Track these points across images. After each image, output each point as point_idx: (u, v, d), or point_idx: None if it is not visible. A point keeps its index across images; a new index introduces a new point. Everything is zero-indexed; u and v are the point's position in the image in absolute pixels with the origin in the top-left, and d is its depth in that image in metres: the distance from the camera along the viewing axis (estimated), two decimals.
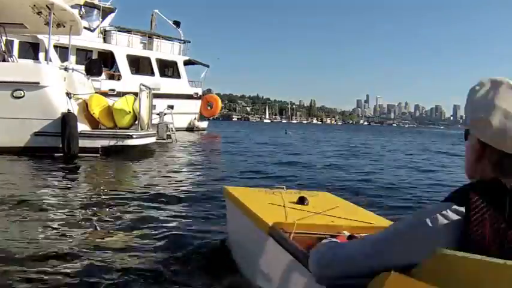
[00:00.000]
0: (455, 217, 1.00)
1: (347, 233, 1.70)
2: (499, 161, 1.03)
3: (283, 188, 2.77)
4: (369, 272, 1.09)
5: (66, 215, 3.72)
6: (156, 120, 13.15)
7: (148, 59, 21.91)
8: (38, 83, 8.02)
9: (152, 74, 21.56)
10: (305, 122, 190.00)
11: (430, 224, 1.01)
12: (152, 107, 10.86)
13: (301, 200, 2.35)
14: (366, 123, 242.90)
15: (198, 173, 7.03)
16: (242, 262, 2.43)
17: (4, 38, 9.75)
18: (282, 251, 1.70)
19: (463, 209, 1.00)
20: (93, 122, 9.25)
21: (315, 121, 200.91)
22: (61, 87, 8.41)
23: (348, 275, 1.15)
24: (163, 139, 13.33)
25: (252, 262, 2.20)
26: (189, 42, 24.68)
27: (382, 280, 1.00)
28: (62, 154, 7.95)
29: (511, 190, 0.98)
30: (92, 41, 19.73)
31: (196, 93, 23.68)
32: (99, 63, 12.20)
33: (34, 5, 8.43)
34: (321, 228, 1.85)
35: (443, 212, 1.02)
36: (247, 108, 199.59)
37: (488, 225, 0.97)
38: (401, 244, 1.05)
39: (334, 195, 2.85)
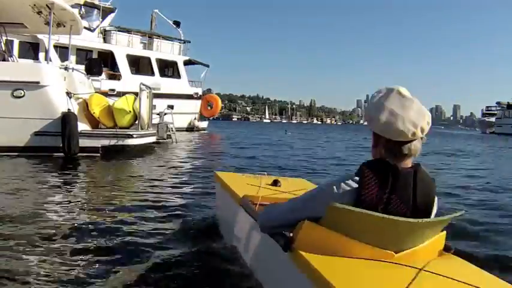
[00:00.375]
0: (354, 185, 1.47)
1: None
2: (387, 146, 1.49)
3: (264, 174, 3.31)
4: (293, 223, 1.56)
5: (66, 215, 3.71)
6: (156, 120, 13.15)
7: (148, 59, 21.90)
8: (38, 82, 8.01)
9: (152, 74, 21.56)
10: (305, 122, 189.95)
11: (335, 190, 1.49)
12: (152, 106, 10.86)
13: (275, 183, 2.91)
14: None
15: (198, 173, 7.02)
16: (224, 229, 3.02)
17: (4, 38, 9.74)
18: (246, 215, 2.22)
19: (358, 179, 1.46)
20: (94, 122, 9.24)
21: (315, 121, 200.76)
22: (61, 87, 8.40)
23: (280, 225, 1.67)
24: (164, 139, 13.32)
25: (229, 227, 2.75)
26: (189, 42, 24.70)
27: (301, 227, 1.49)
28: (62, 154, 7.94)
29: (394, 166, 1.45)
30: (92, 41, 19.73)
31: (196, 93, 23.68)
32: (99, 63, 12.19)
33: (34, 5, 8.42)
34: (279, 201, 2.21)
35: (346, 181, 1.49)
36: (247, 108, 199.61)
37: (375, 191, 1.44)
38: (314, 203, 1.53)
39: (309, 182, 3.31)
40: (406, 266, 1.44)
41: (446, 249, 1.67)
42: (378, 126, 1.50)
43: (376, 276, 1.38)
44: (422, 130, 1.47)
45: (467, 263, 1.63)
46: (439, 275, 1.37)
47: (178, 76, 23.09)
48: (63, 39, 13.22)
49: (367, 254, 1.48)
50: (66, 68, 9.49)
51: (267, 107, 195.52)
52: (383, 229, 1.43)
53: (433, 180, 1.56)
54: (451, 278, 1.35)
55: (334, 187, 1.51)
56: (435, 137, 35.16)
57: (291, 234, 1.56)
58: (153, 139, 10.28)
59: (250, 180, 3.05)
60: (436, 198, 1.56)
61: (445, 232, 1.64)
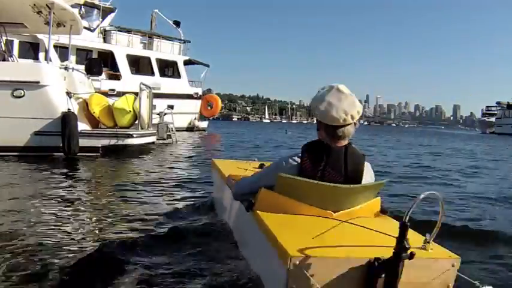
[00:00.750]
0: (298, 160, 1.96)
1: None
2: (326, 130, 1.95)
3: (255, 160, 3.83)
4: (255, 191, 2.07)
5: (66, 215, 3.71)
6: (156, 120, 13.15)
7: (148, 59, 21.90)
8: (38, 82, 8.01)
9: (152, 73, 21.56)
10: (305, 122, 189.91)
11: (284, 164, 2.00)
12: (152, 106, 10.85)
13: (261, 166, 3.37)
14: (366, 123, 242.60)
15: (198, 172, 7.02)
16: (217, 206, 3.63)
17: (4, 38, 9.73)
18: (228, 189, 2.70)
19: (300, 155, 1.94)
20: (94, 122, 9.24)
21: (315, 121, 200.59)
22: (61, 87, 8.40)
23: (246, 193, 2.19)
24: (164, 139, 13.32)
25: (219, 203, 3.47)
26: (189, 42, 24.69)
27: (259, 193, 2.02)
28: (62, 153, 7.94)
29: (327, 145, 1.93)
30: (92, 40, 19.73)
31: (197, 93, 23.67)
32: (99, 62, 12.19)
33: (34, 5, 8.41)
34: None
35: (292, 158, 2.00)
36: (247, 108, 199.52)
37: (312, 164, 1.91)
38: (269, 175, 2.02)
39: None
40: (340, 221, 1.87)
41: (383, 211, 2.13)
42: (318, 113, 1.97)
43: (314, 227, 1.78)
44: (352, 117, 1.92)
45: (396, 222, 1.77)
46: (364, 227, 1.75)
47: (178, 76, 23.09)
48: (63, 39, 13.23)
49: (310, 212, 1.94)
50: (66, 68, 9.49)
51: (266, 107, 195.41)
52: (321, 193, 1.91)
53: (363, 156, 2.01)
54: (375, 230, 1.70)
55: (284, 162, 2.02)
56: (433, 136, 35.14)
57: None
58: (153, 139, 10.28)
59: (240, 164, 3.61)
60: (367, 169, 2.00)
61: (379, 197, 2.08)
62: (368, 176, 2.03)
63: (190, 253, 2.57)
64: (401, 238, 1.47)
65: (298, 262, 1.51)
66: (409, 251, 1.46)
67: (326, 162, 1.92)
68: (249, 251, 2.29)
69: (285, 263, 1.53)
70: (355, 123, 1.96)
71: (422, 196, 1.51)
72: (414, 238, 1.61)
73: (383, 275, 1.51)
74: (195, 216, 3.56)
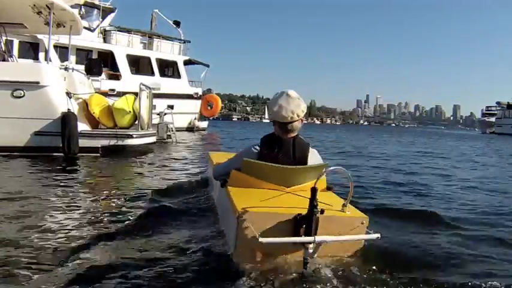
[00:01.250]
0: (258, 149, 2.62)
1: None
2: (278, 125, 2.58)
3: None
4: (228, 172, 2.68)
5: (66, 215, 3.71)
6: (156, 120, 13.14)
7: (148, 59, 21.90)
8: (38, 82, 8.00)
9: (152, 73, 21.56)
10: (305, 122, 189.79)
11: (248, 152, 2.66)
12: (152, 106, 10.85)
13: None
14: (366, 123, 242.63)
15: (198, 172, 7.02)
16: (210, 187, 4.33)
17: (4, 38, 9.73)
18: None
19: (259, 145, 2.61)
20: (93, 122, 9.23)
21: (318, 122, 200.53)
22: (61, 87, 8.39)
23: (222, 174, 2.81)
24: (164, 139, 13.32)
25: (211, 185, 4.19)
26: (189, 42, 24.68)
27: (231, 174, 2.64)
28: (62, 154, 7.94)
29: (278, 137, 2.59)
30: (91, 41, 19.73)
31: (197, 93, 23.67)
32: (99, 63, 12.18)
33: (34, 5, 8.40)
34: None
35: (254, 147, 2.65)
36: (247, 108, 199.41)
37: (267, 152, 2.56)
38: (238, 160, 2.64)
39: None
40: (290, 193, 2.54)
41: (328, 188, 2.78)
42: (272, 114, 2.63)
43: (265, 196, 2.40)
44: (298, 115, 2.58)
45: (338, 197, 2.67)
46: (304, 196, 2.30)
47: (178, 76, 23.09)
48: (63, 39, 13.23)
49: (268, 187, 2.59)
50: (66, 68, 9.49)
51: (266, 107, 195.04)
52: (275, 173, 2.55)
53: (308, 144, 2.67)
54: (331, 206, 2.30)
55: (248, 150, 2.70)
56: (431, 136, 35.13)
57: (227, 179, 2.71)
58: (153, 139, 10.27)
59: (229, 156, 3.93)
60: (312, 155, 2.65)
61: (325, 177, 2.67)
62: (313, 160, 2.64)
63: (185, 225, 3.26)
64: (312, 199, 2.06)
65: (243, 215, 2.14)
66: (319, 209, 2.08)
67: (278, 150, 2.59)
68: (221, 215, 3.02)
69: (235, 216, 2.19)
70: (301, 120, 2.63)
71: (331, 169, 2.28)
72: (339, 203, 2.39)
73: (304, 226, 2.10)
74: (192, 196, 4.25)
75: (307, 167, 2.57)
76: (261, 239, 2.01)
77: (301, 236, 2.10)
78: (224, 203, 2.71)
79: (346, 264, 2.27)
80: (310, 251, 2.12)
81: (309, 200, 2.08)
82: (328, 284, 2.07)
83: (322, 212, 2.09)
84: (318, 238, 2.09)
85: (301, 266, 2.12)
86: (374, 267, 2.29)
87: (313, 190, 2.05)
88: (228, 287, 2.11)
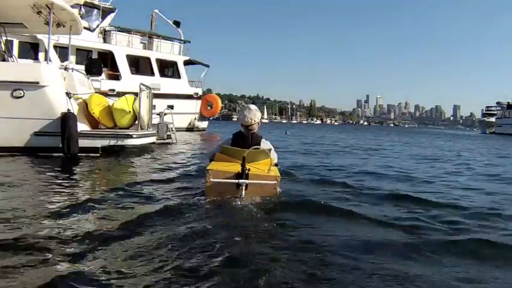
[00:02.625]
0: (230, 140, 4.53)
1: None
2: (243, 126, 4.45)
3: None
4: (214, 154, 4.53)
5: (66, 215, 3.70)
6: (156, 120, 13.13)
7: (148, 59, 21.90)
8: (38, 82, 8.00)
9: (152, 74, 21.56)
10: (305, 122, 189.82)
11: (225, 141, 4.64)
12: (152, 106, 10.84)
13: None
14: (366, 123, 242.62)
15: (198, 172, 7.01)
16: None
17: (4, 38, 9.73)
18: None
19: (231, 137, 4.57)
20: (93, 122, 9.23)
21: (318, 122, 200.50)
22: (61, 87, 8.39)
23: (211, 155, 4.63)
24: (164, 139, 13.31)
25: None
26: (189, 42, 24.69)
27: (215, 155, 4.51)
28: (61, 154, 7.93)
29: (241, 133, 4.46)
30: (91, 41, 19.73)
31: (196, 93, 23.67)
32: (99, 63, 12.18)
33: (34, 5, 8.40)
34: None
35: (228, 139, 4.58)
36: None
37: (235, 141, 4.44)
38: (219, 146, 4.54)
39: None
40: (241, 164, 3.84)
41: (276, 165, 4.41)
42: (239, 120, 4.48)
43: (229, 165, 4.04)
44: (254, 120, 4.34)
45: (276, 168, 4.31)
46: (255, 167, 3.98)
47: (178, 76, 23.08)
48: (63, 39, 13.25)
49: (234, 162, 4.06)
50: (66, 68, 9.48)
51: (265, 107, 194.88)
52: (238, 153, 4.04)
53: (261, 137, 4.42)
54: (258, 168, 4.00)
55: (225, 141, 4.58)
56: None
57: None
58: (153, 139, 10.26)
59: None
60: (263, 144, 4.36)
61: (272, 157, 4.27)
62: (264, 147, 4.30)
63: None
64: (243, 163, 3.79)
65: (209, 172, 3.88)
66: (247, 170, 3.79)
67: (242, 141, 4.33)
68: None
69: (206, 173, 3.92)
70: (258, 123, 4.42)
71: (262, 149, 4.28)
72: (270, 169, 4.04)
73: (241, 180, 3.77)
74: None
75: (257, 149, 4.19)
76: (211, 179, 3.85)
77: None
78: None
79: (263, 203, 3.77)
80: (243, 191, 3.76)
81: (243, 166, 3.80)
82: (250, 210, 3.57)
83: (248, 170, 3.82)
84: (241, 181, 3.77)
85: (237, 196, 3.77)
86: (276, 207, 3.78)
87: (243, 159, 3.82)
88: (225, 277, 2.16)
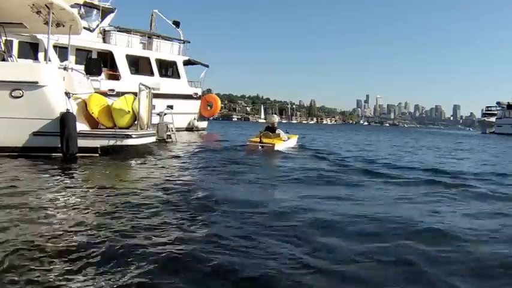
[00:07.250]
0: (262, 130, 12.57)
1: None
2: (270, 123, 12.85)
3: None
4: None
5: (65, 215, 3.69)
6: (156, 120, 13.12)
7: (147, 59, 21.88)
8: (37, 82, 7.98)
9: (152, 74, 21.54)
10: (305, 122, 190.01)
11: (261, 130, 12.66)
12: (152, 106, 10.82)
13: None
14: (366, 123, 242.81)
15: (199, 172, 7.01)
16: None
17: (3, 38, 9.71)
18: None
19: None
20: (92, 122, 9.21)
21: (315, 121, 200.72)
22: (60, 87, 8.37)
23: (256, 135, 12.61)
24: (164, 139, 13.30)
25: None
26: (189, 42, 24.66)
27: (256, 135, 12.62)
28: (60, 154, 7.92)
29: (268, 127, 12.49)
30: (91, 41, 19.71)
31: (196, 93, 23.66)
32: (98, 63, 12.16)
33: (33, 5, 8.38)
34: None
35: (263, 128, 12.84)
36: (247, 108, 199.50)
37: (264, 131, 12.18)
38: (259, 132, 12.72)
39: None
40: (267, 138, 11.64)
41: (288, 138, 12.82)
42: (267, 121, 13.18)
43: (255, 139, 11.90)
44: (274, 122, 12.48)
45: (283, 142, 11.94)
46: (270, 140, 11.61)
47: (178, 76, 23.07)
48: (63, 39, 13.21)
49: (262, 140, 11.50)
50: (65, 68, 9.46)
51: (261, 106, 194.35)
52: (265, 136, 11.77)
53: (277, 128, 12.40)
54: (275, 139, 11.79)
55: (262, 128, 12.63)
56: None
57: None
58: (152, 139, 10.25)
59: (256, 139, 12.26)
60: (279, 131, 12.15)
61: (282, 136, 11.99)
62: (278, 132, 12.01)
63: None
64: (261, 138, 11.49)
65: (248, 141, 12.18)
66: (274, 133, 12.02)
67: (268, 130, 12.11)
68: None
69: (248, 141, 12.25)
70: (276, 122, 12.50)
71: (281, 132, 12.28)
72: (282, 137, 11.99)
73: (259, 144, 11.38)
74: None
75: (276, 133, 11.87)
76: (248, 143, 11.71)
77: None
78: None
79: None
80: (259, 148, 11.08)
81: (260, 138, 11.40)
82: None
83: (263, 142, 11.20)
84: (259, 144, 11.17)
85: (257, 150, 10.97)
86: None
87: (260, 137, 11.45)
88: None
